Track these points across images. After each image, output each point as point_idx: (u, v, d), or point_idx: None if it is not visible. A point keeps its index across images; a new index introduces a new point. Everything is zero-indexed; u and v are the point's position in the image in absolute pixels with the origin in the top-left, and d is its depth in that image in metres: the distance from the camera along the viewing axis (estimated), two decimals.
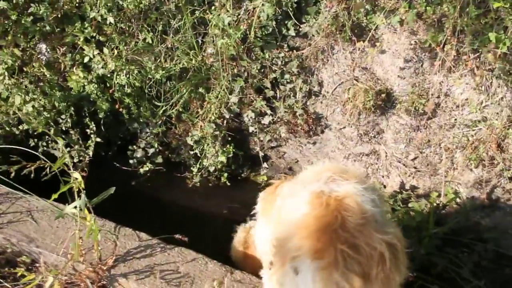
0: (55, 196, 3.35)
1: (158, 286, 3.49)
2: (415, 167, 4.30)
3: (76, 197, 3.39)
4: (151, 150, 5.12)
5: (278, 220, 2.77)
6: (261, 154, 5.02)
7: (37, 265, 3.79)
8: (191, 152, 5.08)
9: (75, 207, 3.35)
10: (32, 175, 3.55)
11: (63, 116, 4.82)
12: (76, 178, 3.32)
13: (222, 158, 4.87)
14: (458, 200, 4.11)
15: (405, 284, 3.58)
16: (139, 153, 5.11)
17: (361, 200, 2.42)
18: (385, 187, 4.51)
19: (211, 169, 5.00)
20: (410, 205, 4.23)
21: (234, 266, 3.81)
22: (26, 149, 3.78)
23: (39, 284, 3.64)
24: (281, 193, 3.02)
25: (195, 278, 3.56)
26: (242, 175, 5.26)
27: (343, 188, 2.47)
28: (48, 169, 3.34)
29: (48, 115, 4.73)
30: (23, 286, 3.56)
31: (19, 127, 4.79)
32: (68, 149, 4.87)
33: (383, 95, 4.20)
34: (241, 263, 3.92)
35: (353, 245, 2.25)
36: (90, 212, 3.41)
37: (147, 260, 3.70)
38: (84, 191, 3.33)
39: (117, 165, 5.15)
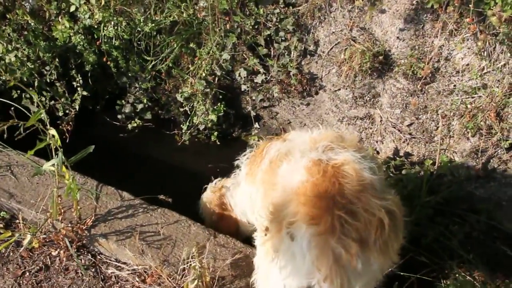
0: (30, 153, 3.21)
1: (138, 248, 3.41)
2: (410, 134, 4.15)
3: (53, 154, 3.26)
4: (140, 106, 4.97)
5: (270, 181, 2.75)
6: (253, 113, 4.88)
7: (17, 221, 3.70)
8: (181, 109, 4.95)
9: (53, 164, 3.21)
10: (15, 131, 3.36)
11: (47, 68, 4.63)
12: (53, 136, 3.18)
13: (213, 117, 4.72)
14: (452, 169, 3.97)
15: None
16: (127, 108, 4.96)
17: (359, 168, 2.42)
18: (378, 153, 4.38)
19: (201, 127, 4.87)
20: (403, 172, 4.10)
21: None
22: (9, 102, 3.58)
23: (18, 240, 3.56)
24: (268, 152, 2.98)
25: (177, 241, 3.48)
26: (233, 134, 5.13)
27: (341, 156, 2.48)
28: (22, 126, 3.16)
29: (32, 66, 4.55)
30: (1, 242, 3.47)
31: (1, 77, 4.61)
32: (53, 102, 4.72)
33: (381, 57, 4.02)
34: (212, 222, 3.87)
35: (350, 211, 2.24)
36: (68, 169, 3.28)
37: (129, 220, 3.61)
38: (61, 148, 3.19)
39: (105, 120, 5.01)
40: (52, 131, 3.15)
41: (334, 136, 2.74)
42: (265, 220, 2.57)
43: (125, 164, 4.98)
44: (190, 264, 3.14)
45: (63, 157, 3.18)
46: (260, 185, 2.98)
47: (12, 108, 3.41)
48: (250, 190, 3.24)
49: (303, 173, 2.44)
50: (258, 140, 3.52)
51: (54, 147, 3.20)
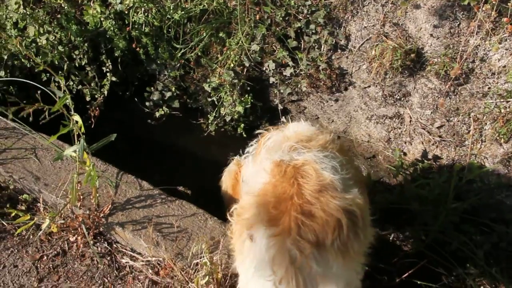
0: (53, 138, 3.22)
1: (153, 239, 3.38)
2: (440, 136, 3.99)
3: (75, 140, 3.26)
4: (168, 94, 4.94)
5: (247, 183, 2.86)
6: (280, 107, 4.79)
7: (38, 204, 3.74)
8: (209, 99, 4.91)
9: (75, 151, 3.21)
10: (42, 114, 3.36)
11: (77, 52, 4.65)
12: (77, 122, 3.17)
13: (240, 108, 4.66)
14: (482, 175, 3.78)
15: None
16: (156, 96, 4.94)
17: (319, 167, 2.42)
18: (405, 154, 4.22)
19: (228, 118, 4.81)
20: (430, 175, 3.93)
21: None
22: (37, 85, 3.60)
23: (38, 224, 3.60)
24: (264, 142, 3.04)
25: (192, 234, 3.43)
26: (260, 127, 5.02)
27: (302, 156, 2.51)
28: (47, 111, 3.17)
29: (63, 50, 4.57)
30: (22, 224, 3.51)
31: (35, 58, 4.64)
32: (81, 87, 4.74)
33: (413, 55, 3.86)
34: (228, 195, 3.83)
35: (308, 212, 2.23)
36: (89, 156, 3.28)
37: (146, 210, 3.59)
38: (84, 135, 3.18)
39: (133, 106, 5.01)
40: (76, 117, 3.14)
41: (303, 135, 2.77)
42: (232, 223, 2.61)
43: (150, 151, 5.00)
44: (202, 259, 3.10)
45: (84, 143, 3.16)
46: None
47: (39, 92, 3.41)
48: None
49: (266, 175, 2.48)
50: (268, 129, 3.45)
51: (77, 133, 3.19)
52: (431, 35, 3.79)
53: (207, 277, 3.03)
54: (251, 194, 2.46)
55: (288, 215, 2.21)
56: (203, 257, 3.10)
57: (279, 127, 3.22)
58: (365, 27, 4.07)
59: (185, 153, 4.97)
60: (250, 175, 2.70)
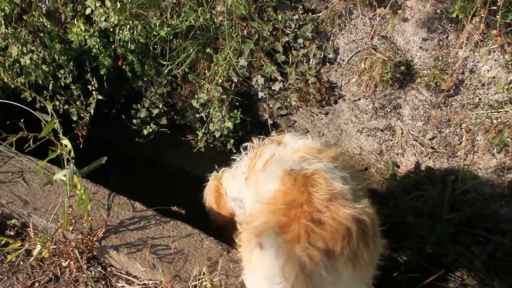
0: (42, 163, 3.15)
1: (149, 261, 3.30)
2: (432, 147, 3.99)
3: (65, 164, 3.18)
4: (156, 111, 4.88)
5: (255, 191, 2.84)
6: (270, 121, 4.76)
7: (28, 229, 3.63)
8: (197, 115, 4.86)
9: (65, 175, 3.13)
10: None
11: (62, 71, 4.56)
12: (66, 146, 3.10)
13: (229, 124, 4.61)
14: (476, 185, 3.79)
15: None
16: (143, 113, 4.87)
17: (330, 177, 2.44)
18: (398, 166, 4.22)
19: (217, 134, 4.76)
20: (424, 187, 3.92)
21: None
22: (22, 106, 3.52)
23: (28, 249, 3.50)
24: (262, 155, 3.03)
25: (189, 255, 3.36)
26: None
27: (312, 166, 2.52)
28: (31, 139, 3.10)
29: (47, 69, 4.49)
30: (12, 251, 3.41)
31: (19, 79, 4.56)
32: (67, 106, 4.65)
33: (403, 68, 3.87)
34: (210, 209, 3.94)
35: (318, 220, 2.23)
36: (80, 180, 3.20)
37: (140, 232, 3.51)
38: (73, 160, 3.11)
39: (120, 124, 4.94)
40: (65, 141, 3.07)
41: (312, 148, 2.76)
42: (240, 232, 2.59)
43: (139, 169, 4.92)
44: (202, 282, 3.04)
45: (74, 168, 3.09)
46: (253, 188, 3.03)
47: (23, 111, 3.32)
48: (246, 192, 3.30)
49: (276, 183, 2.49)
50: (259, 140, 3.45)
51: (66, 157, 3.11)
52: (420, 47, 3.80)
53: None
54: (260, 202, 2.48)
55: (298, 222, 2.21)
56: (203, 279, 3.05)
57: (266, 138, 3.24)
58: (353, 40, 4.06)
59: (175, 170, 4.91)
60: (261, 183, 2.70)
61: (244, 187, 3.33)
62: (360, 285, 2.45)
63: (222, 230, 3.93)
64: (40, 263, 3.53)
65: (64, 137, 3.11)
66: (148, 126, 4.86)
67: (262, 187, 2.63)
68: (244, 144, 3.57)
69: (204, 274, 3.05)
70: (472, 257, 3.58)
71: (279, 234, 2.23)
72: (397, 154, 4.24)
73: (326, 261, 2.17)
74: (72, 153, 3.09)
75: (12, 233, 3.67)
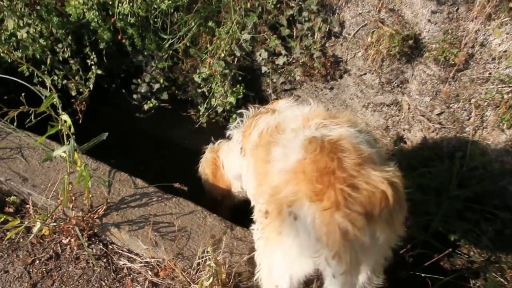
0: (41, 139, 3.07)
1: (151, 239, 3.25)
2: (440, 123, 3.91)
3: (65, 140, 3.10)
4: (156, 86, 4.79)
5: (262, 158, 2.77)
6: (273, 96, 4.68)
7: (27, 206, 3.56)
8: (199, 90, 4.77)
9: (65, 151, 3.05)
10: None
11: (60, 45, 4.45)
12: (65, 121, 3.01)
13: (232, 99, 4.53)
14: (484, 162, 3.73)
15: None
16: (143, 88, 4.78)
17: (356, 142, 2.38)
18: (405, 142, 4.15)
19: (219, 109, 4.68)
20: (431, 163, 3.86)
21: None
22: (19, 81, 3.41)
23: (28, 226, 3.44)
24: (257, 125, 3.01)
25: (191, 232, 3.32)
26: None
27: (335, 132, 2.45)
28: (33, 113, 3.01)
29: (45, 43, 4.37)
30: (12, 229, 3.35)
31: (16, 53, 4.44)
32: (66, 81, 4.55)
33: (411, 42, 3.77)
34: (207, 181, 3.94)
35: (353, 185, 2.16)
36: (80, 157, 3.12)
37: (142, 210, 3.46)
38: (74, 135, 3.02)
39: (120, 99, 4.85)
40: (65, 117, 2.99)
41: (326, 113, 2.69)
42: (263, 204, 2.50)
43: (140, 145, 4.85)
44: (205, 260, 2.99)
45: (74, 144, 3.01)
46: (251, 159, 3.01)
47: (21, 86, 3.22)
48: (241, 161, 3.29)
49: (299, 152, 2.39)
50: (248, 109, 3.41)
51: (66, 133, 3.03)
52: (429, 20, 3.70)
53: (212, 278, 2.93)
54: (284, 172, 2.38)
55: (333, 188, 2.13)
56: (207, 258, 2.99)
57: (267, 108, 3.18)
58: (360, 13, 3.95)
59: (177, 146, 4.85)
60: (279, 154, 2.59)
61: (240, 156, 3.31)
62: (388, 250, 2.47)
63: (218, 202, 3.95)
64: (41, 240, 3.47)
65: (63, 112, 3.02)
66: (148, 101, 4.79)
67: (281, 158, 2.53)
68: (239, 111, 3.53)
69: (207, 252, 2.99)
70: (479, 233, 3.54)
71: (314, 202, 2.15)
72: (404, 130, 4.17)
73: (366, 225, 2.13)
74: (72, 129, 3.01)
75: (11, 210, 3.61)
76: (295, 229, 2.25)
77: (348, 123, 2.57)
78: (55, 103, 3.01)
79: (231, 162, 3.65)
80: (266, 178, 2.70)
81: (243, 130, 3.30)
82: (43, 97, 2.98)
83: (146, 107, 4.78)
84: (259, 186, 2.85)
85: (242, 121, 3.43)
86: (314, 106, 2.85)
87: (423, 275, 3.23)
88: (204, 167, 3.93)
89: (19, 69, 2.94)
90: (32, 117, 3.02)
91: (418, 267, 3.40)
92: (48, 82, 2.98)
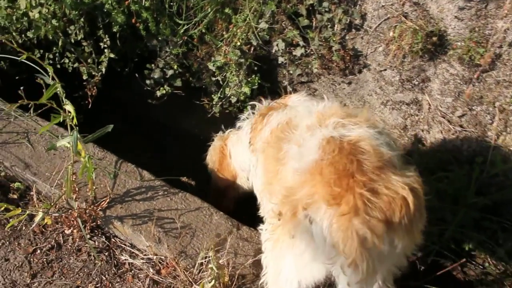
0: (44, 128, 2.98)
1: (154, 235, 3.15)
2: (461, 125, 3.73)
3: (69, 129, 3.00)
4: (170, 72, 4.66)
5: (272, 156, 2.68)
6: (289, 88, 4.54)
7: (31, 193, 3.49)
8: (213, 79, 4.64)
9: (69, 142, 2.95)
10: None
11: (73, 27, 4.34)
12: (69, 112, 2.90)
13: (246, 89, 4.39)
14: (506, 169, 3.55)
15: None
16: (156, 74, 4.66)
17: (376, 143, 2.28)
18: (423, 144, 3.97)
19: (233, 99, 4.55)
20: (449, 167, 3.69)
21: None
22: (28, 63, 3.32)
23: (32, 214, 3.37)
24: (269, 122, 2.91)
25: (196, 230, 3.21)
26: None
27: (354, 132, 2.34)
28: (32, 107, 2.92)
29: (57, 24, 4.27)
30: (14, 217, 3.29)
31: (28, 33, 4.35)
32: (77, 64, 4.45)
33: (435, 38, 3.59)
34: (215, 172, 3.82)
35: (372, 190, 2.07)
36: (84, 147, 3.02)
37: (147, 204, 3.36)
38: (77, 127, 2.91)
39: (132, 84, 4.75)
40: (68, 107, 2.87)
41: (343, 112, 2.55)
42: (276, 205, 2.41)
43: (150, 132, 4.75)
44: (208, 260, 2.88)
45: (78, 135, 2.89)
46: (261, 155, 2.93)
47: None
48: (250, 155, 3.19)
49: (316, 152, 2.28)
50: (260, 101, 3.30)
51: (70, 124, 2.93)
52: (456, 17, 3.51)
53: (213, 281, 2.82)
54: (299, 172, 2.29)
55: (352, 192, 2.04)
56: (210, 258, 2.88)
57: (279, 103, 3.09)
58: (382, 6, 3.78)
59: (188, 135, 4.75)
60: (294, 153, 2.48)
61: (249, 150, 3.21)
62: (404, 259, 2.38)
63: (223, 192, 3.84)
64: (43, 229, 3.41)
65: (67, 102, 2.91)
66: (161, 88, 4.67)
67: (295, 157, 2.43)
68: (252, 103, 3.43)
69: (211, 257, 2.88)
70: (495, 245, 3.38)
71: (332, 206, 2.06)
72: (423, 130, 3.99)
73: (385, 233, 2.05)
74: (75, 120, 2.90)
75: (15, 196, 3.55)
76: (309, 233, 2.16)
77: (367, 123, 2.45)
78: (59, 93, 2.89)
79: (239, 153, 3.54)
80: (277, 177, 2.61)
81: (253, 123, 3.19)
82: (50, 82, 2.86)
83: (158, 93, 4.66)
84: (269, 184, 2.75)
85: (253, 113, 3.32)
86: (329, 102, 2.73)
87: (434, 287, 3.09)
88: (212, 155, 3.83)
89: (19, 59, 2.82)
90: (31, 111, 2.91)
91: (429, 276, 3.26)
92: (50, 71, 2.86)
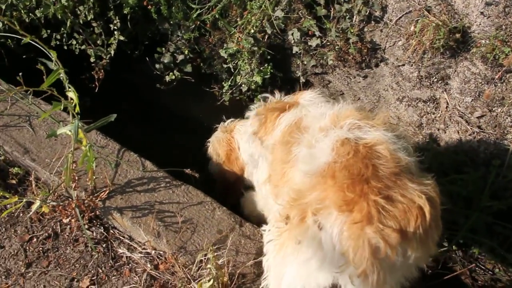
0: (44, 115, 2.88)
1: (154, 229, 3.06)
2: (479, 127, 3.59)
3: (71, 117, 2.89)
4: (181, 57, 4.53)
5: (281, 157, 2.60)
6: (302, 79, 4.40)
7: (30, 178, 3.39)
8: (224, 66, 4.51)
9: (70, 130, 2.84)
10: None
11: (82, 7, 4.22)
12: (72, 99, 2.79)
13: (258, 78, 4.26)
14: None
15: None
16: (167, 58, 4.52)
17: (394, 148, 2.19)
18: (438, 144, 3.83)
19: (244, 88, 4.43)
20: (464, 169, 3.56)
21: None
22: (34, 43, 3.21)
23: (30, 201, 3.28)
24: (281, 123, 2.81)
25: (197, 225, 3.11)
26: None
27: (371, 135, 2.26)
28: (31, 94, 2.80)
29: (67, 3, 4.14)
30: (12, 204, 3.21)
31: (36, 12, 4.23)
32: (85, 46, 4.33)
33: (458, 35, 3.43)
34: (218, 163, 3.72)
35: (387, 197, 1.99)
36: (85, 136, 2.91)
37: (148, 195, 3.26)
38: (79, 115, 2.81)
39: (142, 68, 4.63)
40: (71, 94, 2.76)
41: (359, 113, 2.46)
42: (284, 208, 2.30)
43: (157, 117, 4.65)
44: (208, 259, 2.77)
45: (80, 123, 2.78)
46: (269, 155, 2.83)
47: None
48: (256, 151, 3.10)
49: (329, 154, 2.21)
50: (273, 93, 3.18)
51: (72, 113, 2.82)
52: (481, 13, 3.35)
53: (212, 281, 2.71)
54: (310, 175, 2.19)
55: (366, 199, 1.96)
56: (209, 255, 2.77)
57: (291, 102, 2.99)
58: None
59: (195, 122, 4.64)
60: (305, 155, 2.38)
61: (254, 143, 3.12)
62: (415, 270, 2.27)
63: (230, 186, 3.71)
64: (40, 217, 3.34)
65: (70, 89, 2.79)
66: (171, 73, 4.54)
67: (306, 159, 2.33)
68: (264, 95, 3.30)
69: (210, 260, 2.77)
70: (506, 252, 3.27)
71: (344, 212, 1.97)
72: (439, 129, 3.85)
73: (399, 244, 1.96)
74: (77, 108, 2.78)
75: (14, 181, 3.47)
76: (318, 240, 2.05)
77: (384, 126, 2.37)
78: (62, 79, 2.77)
79: (248, 146, 3.39)
80: (283, 179, 2.52)
81: (263, 117, 3.06)
82: (53, 67, 2.75)
83: (168, 78, 4.54)
84: (274, 187, 2.66)
85: (264, 105, 3.20)
86: (344, 104, 2.61)
87: None
88: (216, 148, 3.68)
89: (21, 42, 2.71)
90: (29, 98, 2.79)
91: (437, 280, 3.17)
92: (53, 57, 2.74)
